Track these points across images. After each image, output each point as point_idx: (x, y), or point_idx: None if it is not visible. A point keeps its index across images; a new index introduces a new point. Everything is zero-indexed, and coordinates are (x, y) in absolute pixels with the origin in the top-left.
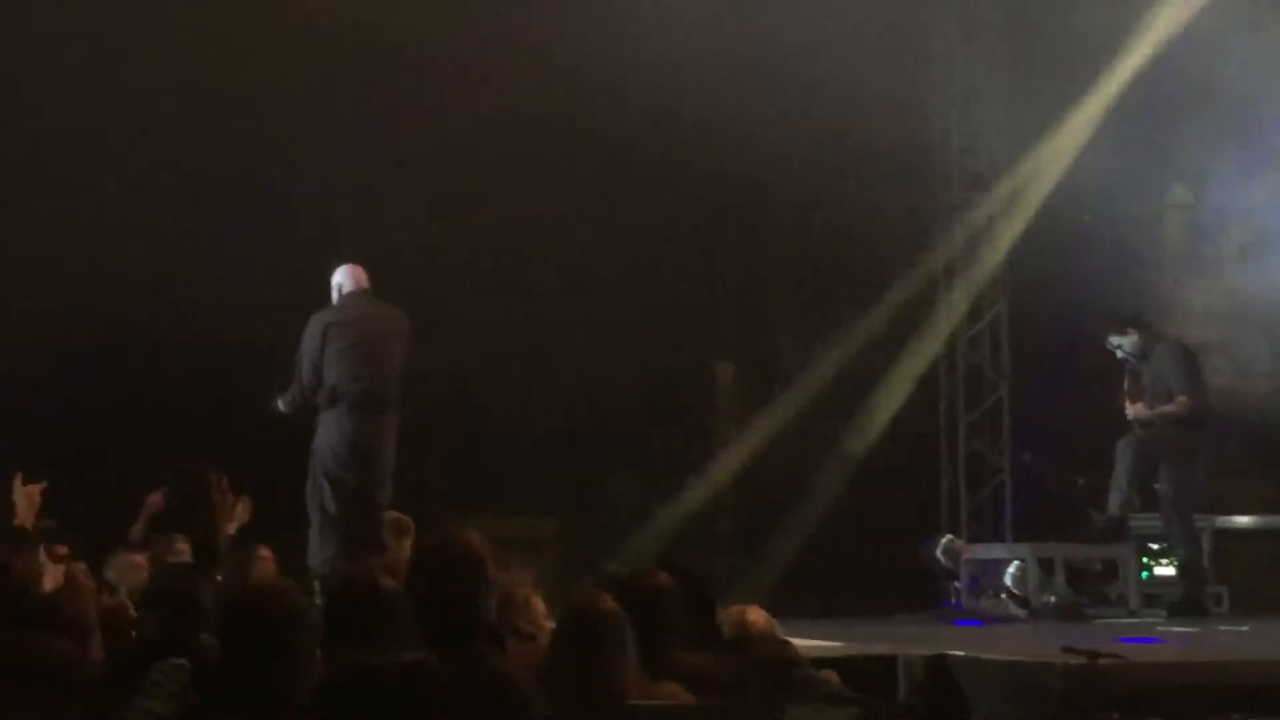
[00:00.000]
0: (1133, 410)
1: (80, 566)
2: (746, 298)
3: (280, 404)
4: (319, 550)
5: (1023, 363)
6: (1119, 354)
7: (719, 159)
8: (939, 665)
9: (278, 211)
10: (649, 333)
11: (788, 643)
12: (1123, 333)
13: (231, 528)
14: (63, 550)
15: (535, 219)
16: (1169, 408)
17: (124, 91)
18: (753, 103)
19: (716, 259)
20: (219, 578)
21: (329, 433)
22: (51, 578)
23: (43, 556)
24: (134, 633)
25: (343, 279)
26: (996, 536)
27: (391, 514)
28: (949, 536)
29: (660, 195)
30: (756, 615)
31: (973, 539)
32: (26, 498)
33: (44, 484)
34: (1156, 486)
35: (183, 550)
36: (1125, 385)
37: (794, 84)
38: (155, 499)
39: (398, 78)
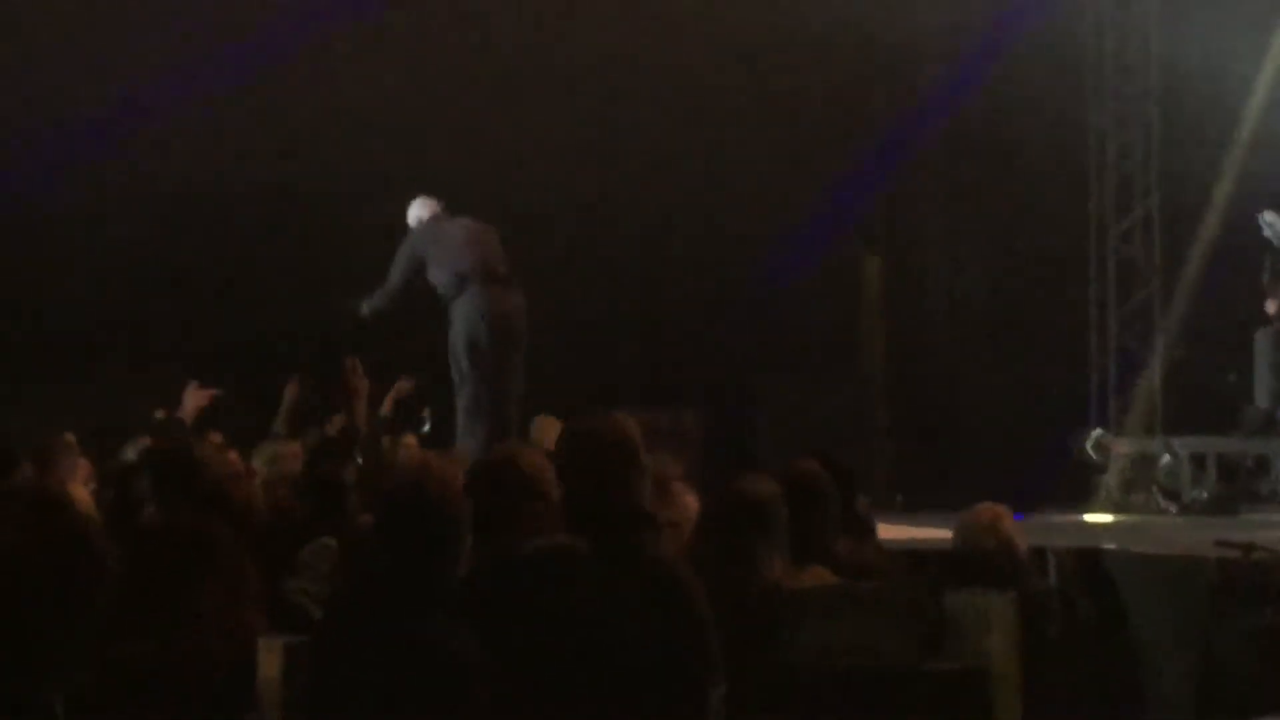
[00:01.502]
0: (1274, 305)
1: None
2: (895, 193)
3: (364, 306)
4: (468, 434)
5: (1175, 257)
6: (1269, 236)
7: (870, 45)
8: (1091, 558)
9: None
10: (797, 227)
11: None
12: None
13: (387, 405)
14: (216, 439)
15: (688, 112)
16: None
17: None
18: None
19: (864, 154)
20: (359, 460)
21: (465, 314)
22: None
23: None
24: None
25: (420, 210)
26: (1148, 431)
27: (543, 417)
28: (1099, 430)
29: (806, 94)
30: (1009, 521)
31: (1124, 433)
32: (196, 400)
33: (217, 391)
34: None
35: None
36: (1265, 278)
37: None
38: (292, 388)
39: None
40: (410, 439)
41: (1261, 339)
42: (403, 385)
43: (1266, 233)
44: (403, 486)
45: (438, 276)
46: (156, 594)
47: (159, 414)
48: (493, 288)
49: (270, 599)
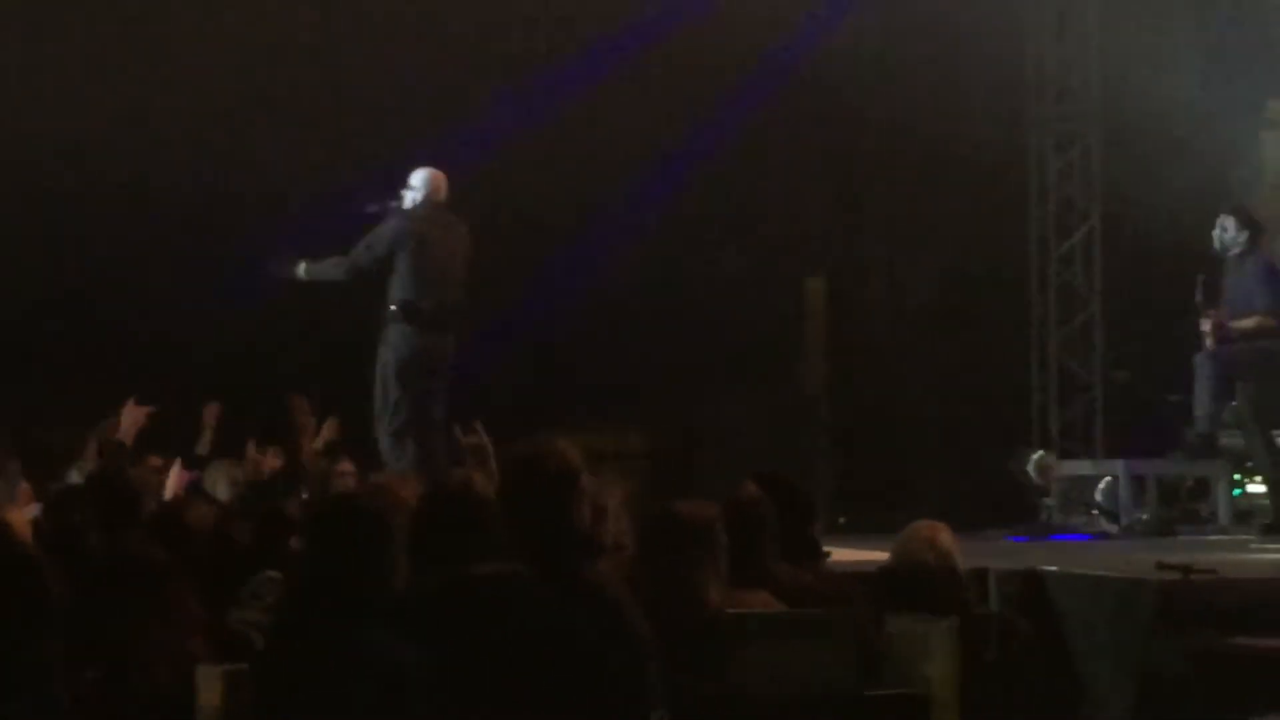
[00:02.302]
0: (1208, 324)
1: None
2: (838, 213)
3: (301, 270)
4: (393, 462)
5: (1114, 279)
6: (1216, 242)
7: (813, 73)
8: (1033, 580)
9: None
10: (741, 248)
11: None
12: (1240, 226)
13: (319, 444)
14: (156, 462)
15: (633, 131)
16: (1245, 322)
17: None
18: (850, 19)
19: (809, 175)
20: (304, 494)
21: (398, 347)
22: (170, 487)
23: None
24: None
25: (426, 187)
26: (1088, 453)
27: (470, 438)
28: (1040, 452)
29: (752, 109)
30: (947, 536)
31: (1064, 455)
32: (133, 418)
33: (153, 409)
34: (1233, 404)
35: (274, 464)
36: (1199, 296)
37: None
38: (211, 409)
39: None
40: (346, 466)
41: (1201, 361)
42: (332, 425)
43: (1216, 233)
44: (336, 498)
45: (393, 287)
46: (99, 623)
47: (99, 433)
48: (433, 330)
49: (213, 629)
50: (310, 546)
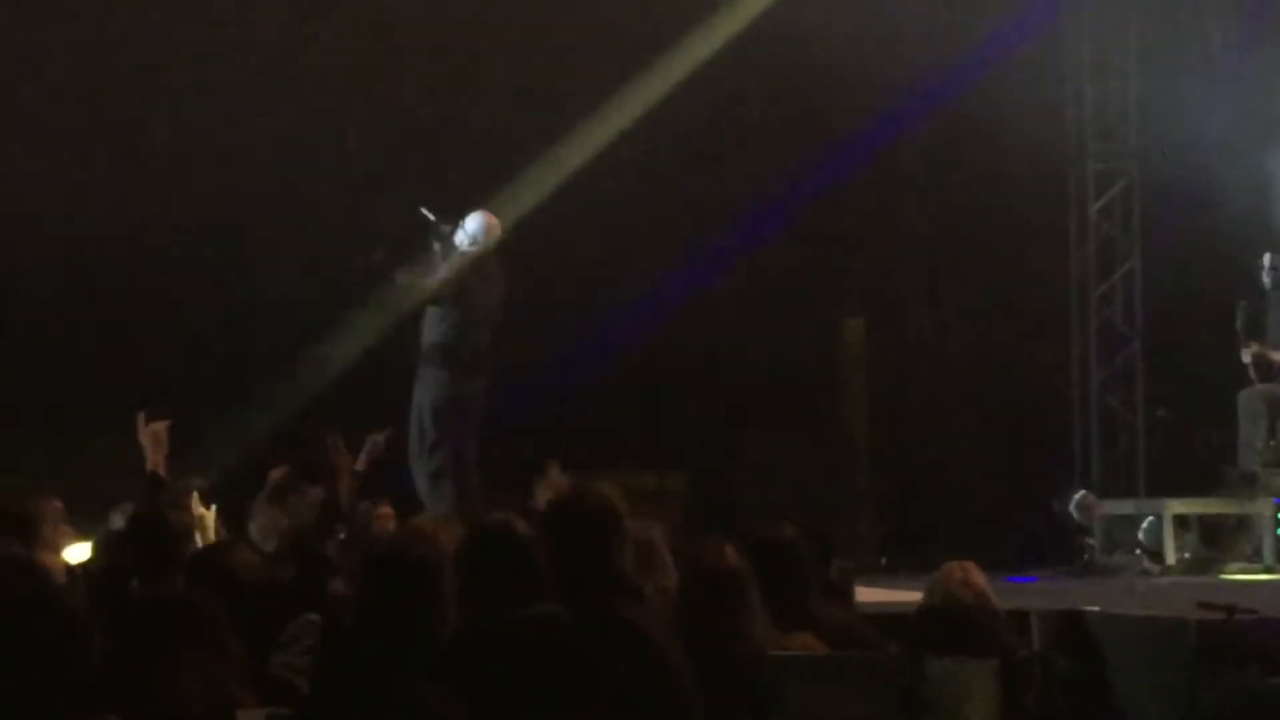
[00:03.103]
0: (1248, 352)
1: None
2: (876, 254)
3: (398, 275)
4: (436, 502)
5: (1156, 318)
6: (1268, 282)
7: (850, 115)
8: (1074, 620)
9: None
10: (778, 288)
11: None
12: None
13: (361, 463)
14: (194, 500)
15: (666, 173)
16: None
17: None
18: (885, 58)
19: (847, 216)
20: (342, 535)
21: (435, 391)
22: (204, 530)
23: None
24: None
25: (479, 232)
26: (1130, 492)
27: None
28: (1082, 492)
29: (790, 150)
30: (979, 574)
31: (1105, 494)
32: (154, 438)
33: (169, 421)
34: (1273, 442)
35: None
36: (1240, 324)
37: (923, 42)
38: (277, 473)
39: None
40: (386, 509)
41: (1245, 399)
42: (377, 442)
43: (1266, 277)
44: (388, 547)
45: (437, 327)
46: (139, 667)
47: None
48: (470, 377)
49: (255, 673)
50: (360, 593)
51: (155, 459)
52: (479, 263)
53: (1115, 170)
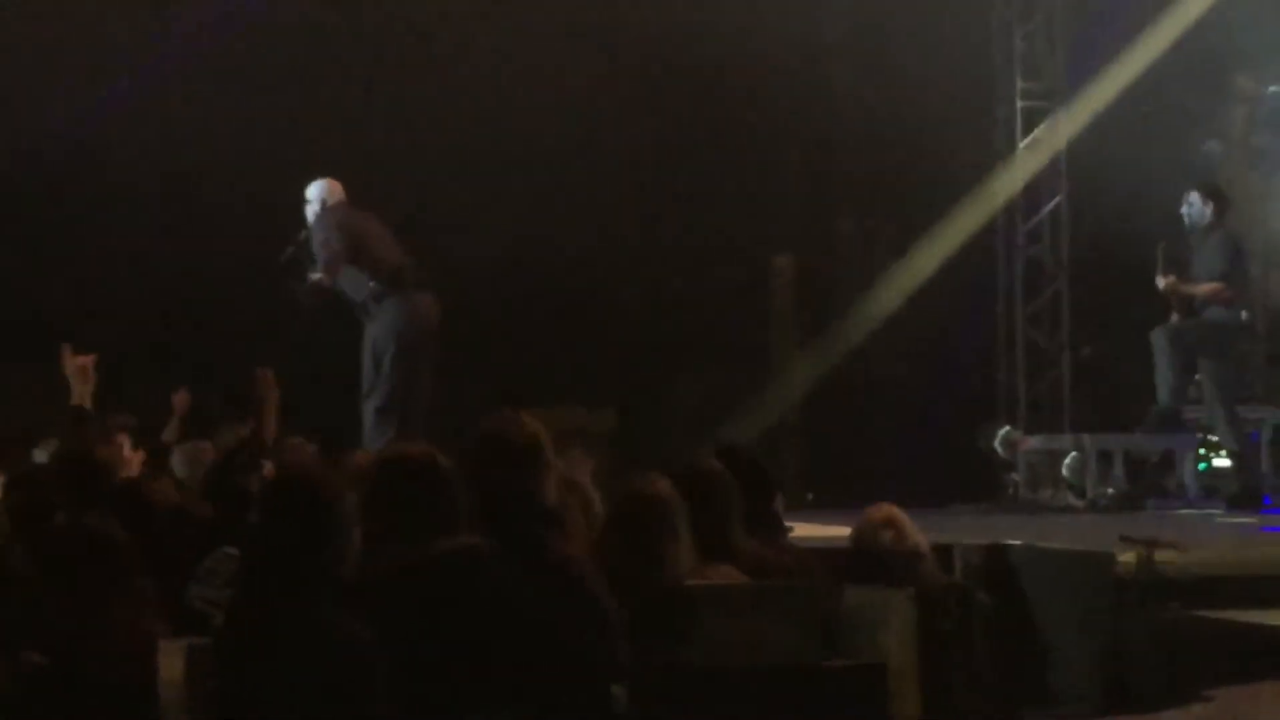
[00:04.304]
0: (1164, 281)
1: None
2: (807, 191)
3: (314, 275)
4: (375, 439)
5: (1081, 255)
6: (1185, 219)
7: (784, 56)
8: (998, 554)
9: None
10: (708, 226)
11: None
12: (1205, 199)
13: (175, 422)
14: (124, 440)
15: (599, 113)
16: (1203, 287)
17: None
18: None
19: (778, 154)
20: (267, 470)
21: (393, 315)
22: (131, 464)
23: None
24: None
25: (323, 192)
26: (1054, 428)
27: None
28: (1007, 428)
29: (720, 90)
30: (903, 518)
31: (1030, 430)
32: (80, 372)
33: (94, 355)
34: (1197, 378)
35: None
36: (1159, 263)
37: None
38: (181, 396)
39: None
40: (296, 440)
41: (1157, 338)
42: (183, 399)
43: (1184, 209)
44: (279, 477)
45: (366, 269)
46: (58, 598)
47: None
48: (420, 292)
49: (173, 606)
50: (261, 524)
51: (81, 393)
52: (339, 209)
53: (1041, 107)
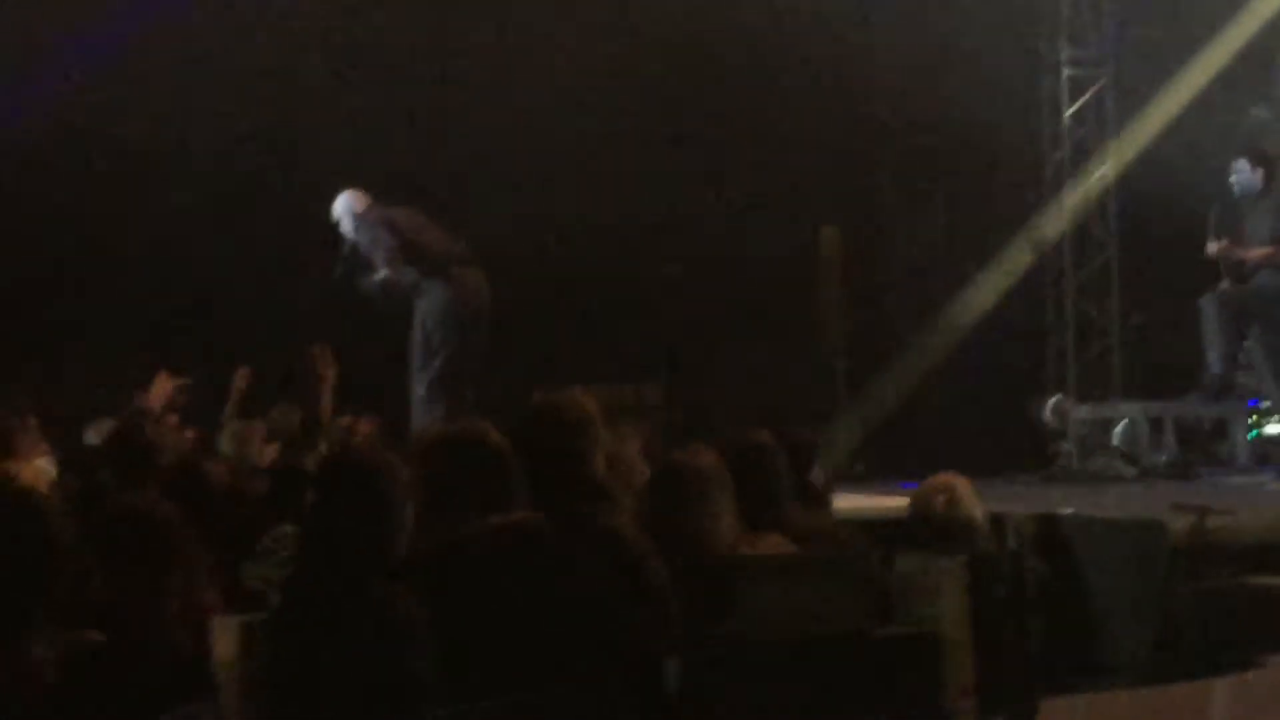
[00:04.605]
0: (1215, 246)
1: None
2: (852, 164)
3: (380, 274)
4: (425, 414)
5: (1131, 222)
6: (1236, 188)
7: (823, 29)
8: (1050, 523)
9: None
10: (754, 199)
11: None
12: (1254, 165)
13: (235, 399)
14: (173, 421)
15: (644, 86)
16: (1255, 251)
17: None
18: None
19: (823, 127)
20: (323, 448)
21: (442, 294)
22: (155, 397)
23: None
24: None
25: (350, 203)
26: (1105, 396)
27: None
28: (1058, 396)
29: (762, 63)
30: (965, 488)
31: (1082, 399)
32: (162, 389)
33: (186, 380)
34: (1246, 344)
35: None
36: (1211, 225)
37: None
38: (242, 375)
39: None
40: (366, 425)
41: (1207, 304)
42: (244, 375)
43: (1233, 178)
44: (334, 456)
45: (409, 258)
46: (112, 578)
47: (135, 402)
48: (467, 269)
49: (229, 584)
50: (317, 503)
51: (155, 400)
52: (373, 212)
53: (1089, 75)
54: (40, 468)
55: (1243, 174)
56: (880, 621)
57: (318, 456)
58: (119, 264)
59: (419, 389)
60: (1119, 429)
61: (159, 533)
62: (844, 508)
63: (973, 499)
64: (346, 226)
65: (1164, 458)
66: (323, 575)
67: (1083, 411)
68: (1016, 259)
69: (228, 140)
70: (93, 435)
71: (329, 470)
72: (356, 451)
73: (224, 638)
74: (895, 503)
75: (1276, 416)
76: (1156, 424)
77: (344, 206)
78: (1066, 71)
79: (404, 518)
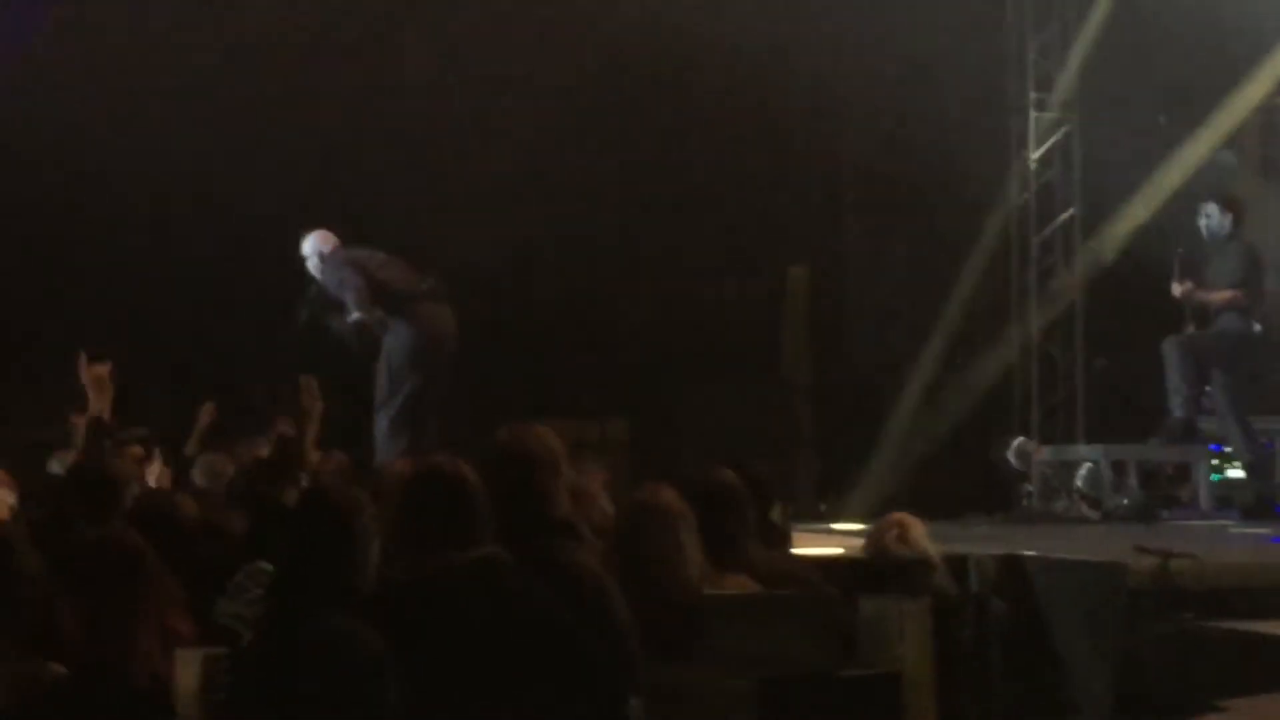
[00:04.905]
0: (1180, 289)
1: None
2: (818, 203)
3: (352, 316)
4: (387, 449)
5: (1095, 267)
6: (1204, 231)
7: (791, 69)
8: (1012, 564)
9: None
10: (721, 238)
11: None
12: (1223, 210)
13: (198, 433)
14: (138, 453)
15: (612, 123)
16: (1218, 294)
17: None
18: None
19: (789, 166)
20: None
21: (408, 329)
22: (153, 476)
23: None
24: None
25: (318, 244)
26: (1069, 438)
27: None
28: (1021, 438)
29: (731, 103)
30: (918, 528)
31: (1045, 441)
32: (97, 382)
33: (110, 364)
34: (1208, 389)
35: (262, 454)
36: (1176, 271)
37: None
38: (207, 409)
39: None
40: (337, 460)
41: (1170, 348)
42: (209, 410)
43: (1202, 221)
44: (304, 491)
45: (375, 296)
46: (84, 608)
47: (75, 420)
48: (434, 304)
49: (200, 619)
50: (286, 540)
51: (98, 403)
52: (342, 259)
53: (1055, 119)
54: (0, 497)
55: (1213, 218)
56: (846, 662)
57: (298, 490)
58: (82, 292)
59: (382, 423)
60: (1082, 471)
61: (127, 564)
62: (806, 547)
63: (924, 536)
64: (313, 265)
65: (1126, 500)
66: (289, 609)
67: (1046, 454)
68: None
69: (198, 169)
70: (56, 465)
71: (299, 505)
72: (321, 487)
73: (187, 670)
74: (858, 542)
75: (1238, 461)
76: (1119, 467)
77: (312, 246)
78: (1034, 114)
79: (369, 553)
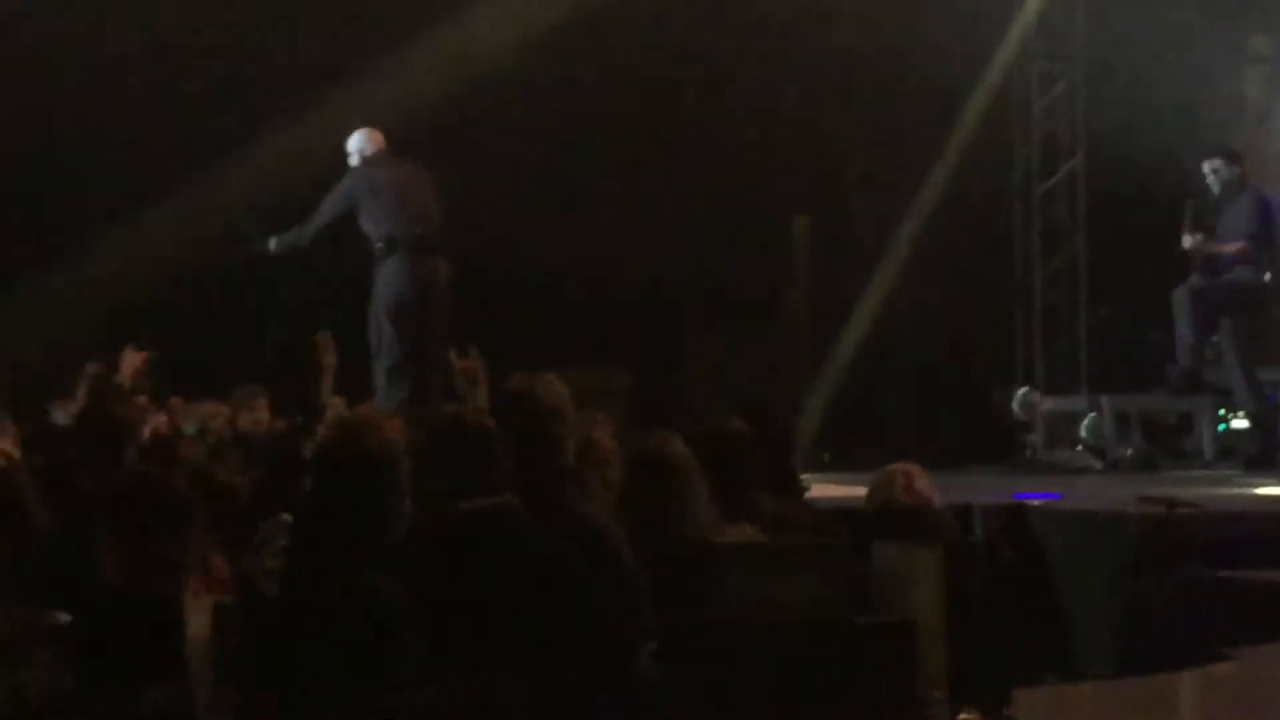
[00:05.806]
0: (1190, 240)
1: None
2: (821, 153)
3: (273, 243)
4: (387, 398)
5: (1098, 216)
6: (1214, 187)
7: (793, 12)
8: (1018, 514)
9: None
10: (724, 187)
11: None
12: (1228, 163)
13: (126, 378)
14: (143, 401)
15: (614, 77)
16: (1230, 246)
17: None
18: None
19: (791, 116)
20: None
21: (391, 278)
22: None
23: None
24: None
25: (362, 143)
26: (1072, 389)
27: (463, 362)
28: (1025, 388)
29: (732, 50)
30: (921, 478)
31: (1049, 391)
32: (131, 363)
33: (151, 354)
34: (1214, 339)
35: (260, 407)
36: (1187, 221)
37: None
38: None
39: None
40: (336, 400)
41: (1181, 296)
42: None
43: (1210, 175)
44: (335, 438)
45: (369, 229)
46: (126, 552)
47: (91, 368)
48: (420, 256)
49: (224, 575)
50: (315, 489)
51: (125, 377)
52: (376, 160)
53: (1059, 68)
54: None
55: (1220, 170)
56: (859, 611)
57: (314, 443)
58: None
59: (379, 373)
60: (1085, 421)
61: (185, 505)
62: (819, 495)
63: (928, 485)
64: (352, 162)
65: (1129, 450)
66: (317, 562)
67: (1050, 404)
68: None
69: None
70: (60, 415)
71: (329, 453)
72: (360, 434)
73: (198, 617)
74: (859, 492)
75: (1243, 411)
76: (1123, 417)
77: (355, 144)
78: (1037, 65)
79: (398, 507)
